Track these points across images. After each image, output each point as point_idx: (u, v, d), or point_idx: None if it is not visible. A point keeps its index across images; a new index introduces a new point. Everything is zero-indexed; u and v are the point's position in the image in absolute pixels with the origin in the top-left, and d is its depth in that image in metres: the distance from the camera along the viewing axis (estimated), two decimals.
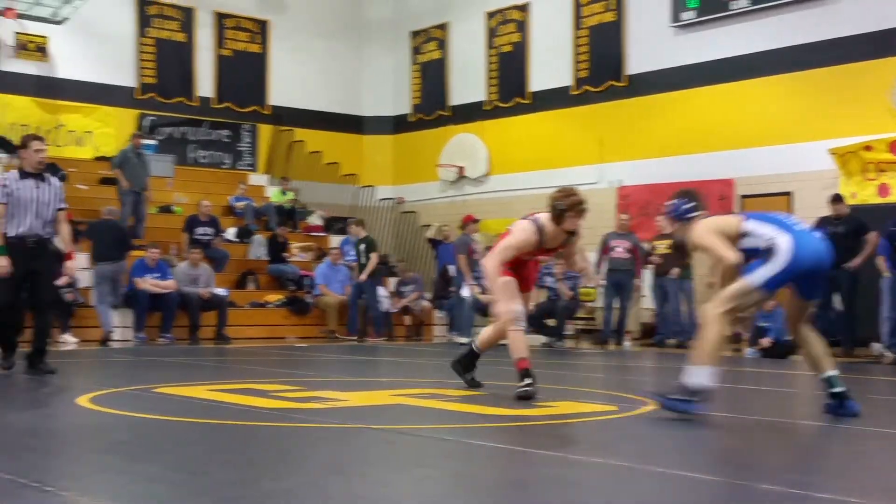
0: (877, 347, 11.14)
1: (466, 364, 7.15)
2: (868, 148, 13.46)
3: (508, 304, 6.44)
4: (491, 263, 6.56)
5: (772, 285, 5.48)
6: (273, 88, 19.62)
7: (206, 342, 12.87)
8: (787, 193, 14.33)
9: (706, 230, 5.60)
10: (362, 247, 14.20)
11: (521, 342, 6.50)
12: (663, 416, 5.62)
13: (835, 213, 12.10)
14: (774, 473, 4.10)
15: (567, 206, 6.39)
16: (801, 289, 5.65)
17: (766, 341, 11.84)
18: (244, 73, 19.28)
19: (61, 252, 9.12)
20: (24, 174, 7.84)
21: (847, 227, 11.91)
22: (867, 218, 12.16)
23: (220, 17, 19.13)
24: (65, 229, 8.06)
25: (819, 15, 14.22)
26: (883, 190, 13.38)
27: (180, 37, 18.65)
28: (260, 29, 19.59)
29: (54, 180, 8.03)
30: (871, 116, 13.55)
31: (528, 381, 6.38)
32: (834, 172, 13.76)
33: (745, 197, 14.81)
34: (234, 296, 14.52)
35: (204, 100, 18.94)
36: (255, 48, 19.51)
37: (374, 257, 13.90)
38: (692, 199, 5.85)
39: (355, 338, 14.16)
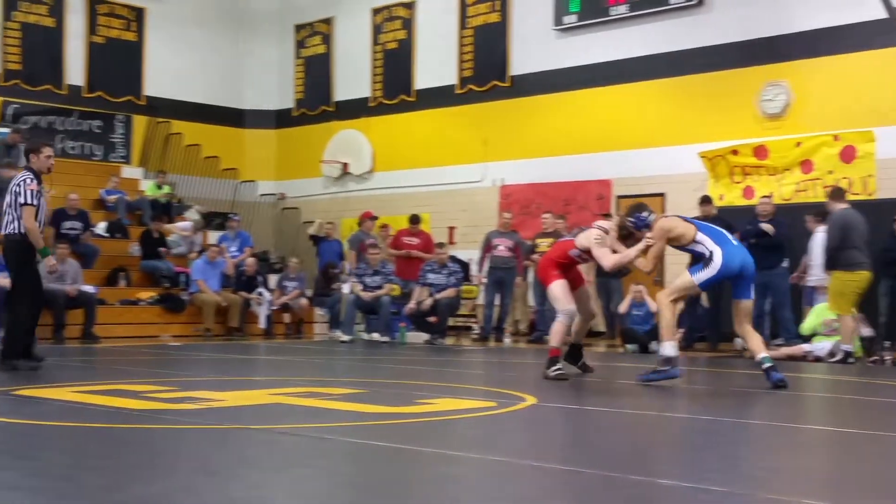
0: (740, 342, 11.54)
1: (573, 356, 8.19)
2: (735, 152, 13.98)
3: (566, 303, 7.85)
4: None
5: (705, 285, 7.49)
6: (149, 78, 19.07)
7: (72, 342, 12.38)
8: (660, 194, 14.73)
9: (661, 230, 7.41)
10: None
11: (561, 334, 7.82)
12: (540, 411, 5.67)
13: (703, 214, 12.44)
14: (646, 466, 4.18)
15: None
16: (734, 290, 7.44)
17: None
18: (118, 61, 18.69)
19: None
20: (39, 178, 8.13)
21: None
22: (733, 219, 12.58)
23: (93, 3, 18.50)
24: None
25: (692, 23, 14.67)
26: (748, 192, 13.91)
27: (49, 22, 17.97)
28: (135, 16, 19.02)
29: None
30: (738, 122, 14.09)
31: (558, 366, 7.67)
32: (704, 175, 14.23)
33: (621, 197, 15.17)
34: (105, 293, 14.05)
35: (74, 88, 18.28)
36: (129, 36, 18.94)
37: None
38: (647, 209, 7.67)
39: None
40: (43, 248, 8.10)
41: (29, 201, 7.96)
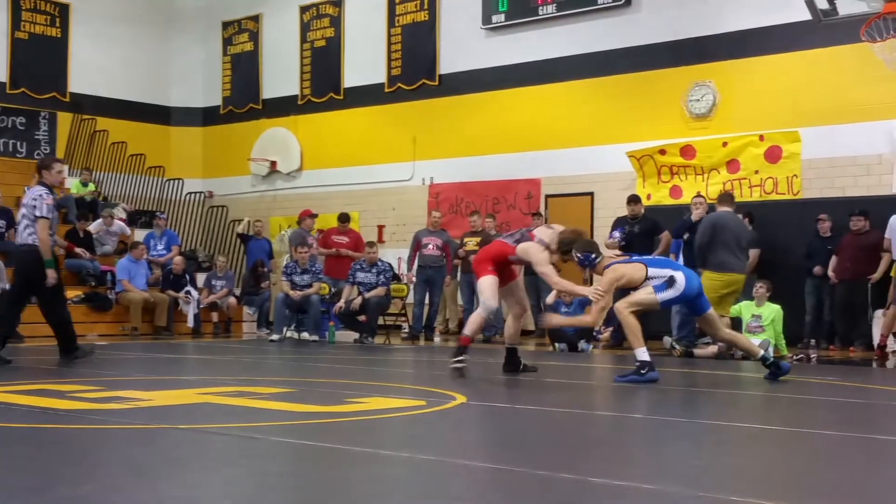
0: (668, 341, 11.75)
1: (512, 363, 8.13)
2: (662, 152, 14.23)
3: (490, 299, 7.86)
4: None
5: (666, 304, 7.95)
6: (74, 75, 18.72)
7: None
8: (589, 193, 14.93)
9: (610, 282, 7.74)
10: None
11: (477, 325, 7.93)
12: (470, 410, 5.73)
13: (631, 213, 12.67)
14: (577, 464, 4.25)
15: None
16: (693, 309, 8.05)
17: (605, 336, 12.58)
18: (42, 57, 18.33)
19: None
20: (53, 192, 8.76)
21: (642, 226, 12.49)
22: (661, 218, 12.81)
23: None
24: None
25: (620, 24, 14.89)
26: (675, 191, 14.18)
27: None
28: (59, 12, 18.66)
29: None
30: (666, 122, 14.34)
31: (462, 357, 7.71)
32: (631, 174, 14.45)
33: (550, 196, 15.33)
34: None
35: None
36: (53, 32, 18.57)
37: None
38: (594, 249, 7.93)
39: None
40: (48, 259, 8.63)
41: (45, 214, 8.56)
